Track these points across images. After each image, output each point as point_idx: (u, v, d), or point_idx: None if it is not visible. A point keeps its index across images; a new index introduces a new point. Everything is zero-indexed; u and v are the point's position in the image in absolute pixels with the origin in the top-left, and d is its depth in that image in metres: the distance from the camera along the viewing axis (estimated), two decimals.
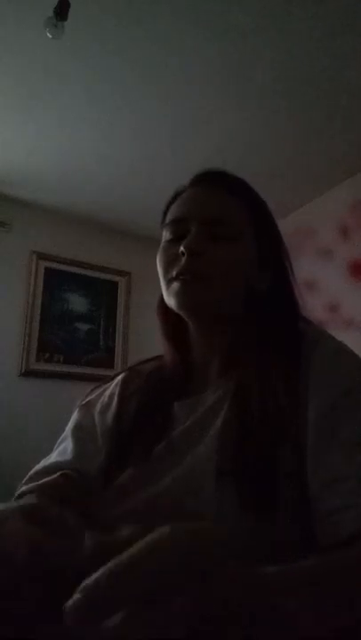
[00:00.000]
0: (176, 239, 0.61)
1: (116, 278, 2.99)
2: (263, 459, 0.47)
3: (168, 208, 0.67)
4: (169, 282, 0.61)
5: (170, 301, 0.61)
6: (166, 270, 0.61)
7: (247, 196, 0.65)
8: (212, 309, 0.60)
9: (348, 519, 0.40)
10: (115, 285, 2.98)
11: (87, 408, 0.69)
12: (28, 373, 2.55)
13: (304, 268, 2.54)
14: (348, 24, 1.55)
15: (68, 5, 1.30)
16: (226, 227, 0.60)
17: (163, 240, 0.65)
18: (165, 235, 0.64)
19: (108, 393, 0.70)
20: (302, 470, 0.46)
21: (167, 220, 0.65)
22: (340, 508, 0.41)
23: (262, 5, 1.48)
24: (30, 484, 0.59)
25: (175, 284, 0.59)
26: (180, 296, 0.58)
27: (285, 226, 2.87)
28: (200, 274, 0.58)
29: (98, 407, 0.68)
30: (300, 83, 1.81)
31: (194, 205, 0.62)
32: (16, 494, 0.59)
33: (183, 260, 0.58)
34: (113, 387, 0.70)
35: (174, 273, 0.59)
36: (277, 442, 0.48)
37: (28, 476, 0.62)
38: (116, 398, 0.67)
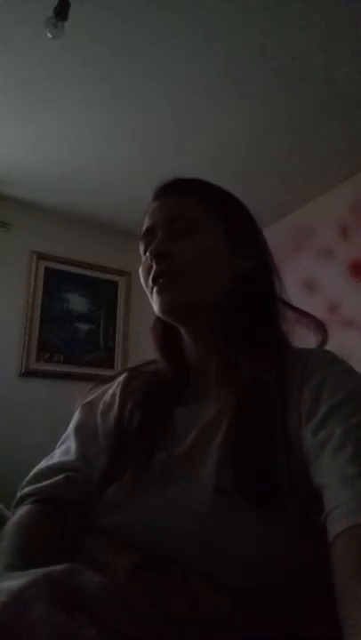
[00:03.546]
0: (147, 250, 0.64)
1: (116, 278, 2.98)
2: (262, 477, 0.47)
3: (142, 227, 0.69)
4: (150, 291, 0.63)
5: (156, 309, 0.63)
6: (146, 282, 0.64)
7: (202, 190, 0.66)
8: (194, 306, 0.61)
9: (330, 523, 0.40)
10: (115, 285, 2.98)
11: (89, 407, 0.69)
12: (28, 373, 2.54)
13: (304, 267, 2.54)
14: (349, 24, 1.54)
15: (68, 5, 1.30)
16: (183, 222, 0.62)
17: (141, 255, 0.68)
18: (141, 249, 0.67)
19: (110, 392, 0.70)
20: (301, 479, 0.46)
21: (140, 236, 0.68)
22: (328, 513, 0.41)
23: (262, 6, 1.48)
24: (33, 486, 0.59)
25: (155, 291, 0.61)
26: (161, 299, 0.60)
27: (285, 226, 2.88)
28: (172, 273, 0.60)
29: (100, 407, 0.68)
30: (300, 83, 1.81)
31: (155, 215, 0.65)
32: (18, 495, 0.60)
33: (153, 265, 0.61)
34: (115, 387, 0.70)
35: (150, 281, 0.62)
36: (275, 456, 0.48)
37: (31, 476, 0.62)
38: (117, 399, 0.67)
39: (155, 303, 0.62)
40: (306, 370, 0.53)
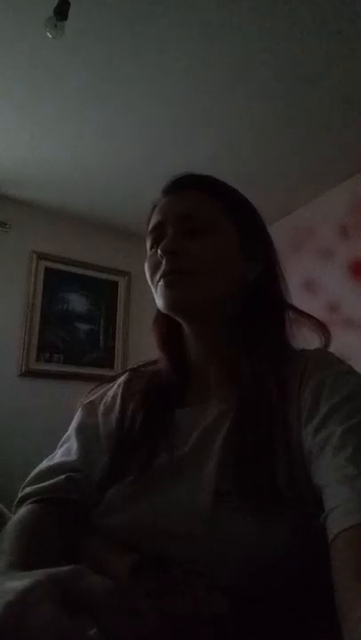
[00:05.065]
0: (156, 245, 0.63)
1: (116, 278, 2.98)
2: (262, 479, 0.47)
3: (149, 220, 0.67)
4: (155, 287, 0.62)
5: (160, 304, 0.62)
6: (152, 277, 0.63)
7: (217, 189, 0.65)
8: (202, 304, 0.60)
9: (329, 523, 0.39)
10: (115, 285, 2.98)
11: (90, 408, 0.69)
12: (27, 373, 2.54)
13: (304, 267, 2.54)
14: (349, 25, 1.55)
15: (68, 5, 1.30)
16: (198, 221, 0.61)
17: (147, 250, 0.66)
18: (148, 244, 0.66)
19: (110, 394, 0.70)
20: (301, 480, 0.46)
21: (148, 229, 0.66)
22: (327, 513, 0.40)
23: (263, 6, 1.48)
24: (34, 487, 0.59)
25: (160, 286, 0.60)
26: (166, 295, 0.59)
27: (285, 226, 2.88)
28: (182, 271, 0.59)
29: (101, 408, 0.68)
30: (300, 83, 1.81)
31: (167, 210, 0.63)
32: (19, 495, 0.60)
33: (163, 262, 0.60)
34: (115, 388, 0.70)
35: (158, 277, 0.60)
36: (275, 458, 0.48)
37: (32, 476, 0.62)
38: (118, 400, 0.67)
39: (160, 298, 0.61)
40: (306, 371, 0.53)
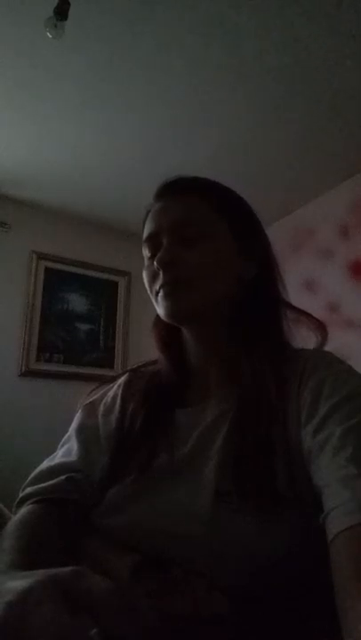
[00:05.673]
0: (153, 255, 0.63)
1: (116, 278, 2.98)
2: (261, 479, 0.47)
3: (144, 225, 0.67)
4: (155, 297, 0.62)
5: (160, 313, 0.62)
6: (150, 287, 0.63)
7: (210, 191, 0.65)
8: (201, 307, 0.60)
9: (329, 523, 0.40)
10: (115, 285, 2.98)
11: (91, 408, 0.69)
12: (27, 373, 2.54)
13: (304, 267, 2.54)
14: (349, 24, 1.54)
15: (68, 5, 1.30)
16: (193, 227, 0.60)
17: (145, 259, 0.66)
18: (145, 252, 0.65)
19: (111, 394, 0.70)
20: (301, 480, 0.46)
21: (143, 238, 0.66)
22: (327, 513, 0.40)
23: (264, 6, 1.48)
24: (34, 487, 0.59)
25: (160, 297, 0.60)
26: (166, 305, 0.59)
27: (285, 226, 2.88)
28: (179, 281, 0.59)
29: (101, 408, 0.68)
30: (300, 83, 1.81)
31: (160, 217, 0.63)
32: (20, 495, 0.60)
33: (161, 273, 0.60)
34: (116, 388, 0.71)
35: (157, 287, 0.61)
36: (275, 458, 0.48)
37: (32, 476, 0.62)
38: (118, 401, 0.67)
39: (160, 307, 0.61)
40: (305, 371, 0.53)
